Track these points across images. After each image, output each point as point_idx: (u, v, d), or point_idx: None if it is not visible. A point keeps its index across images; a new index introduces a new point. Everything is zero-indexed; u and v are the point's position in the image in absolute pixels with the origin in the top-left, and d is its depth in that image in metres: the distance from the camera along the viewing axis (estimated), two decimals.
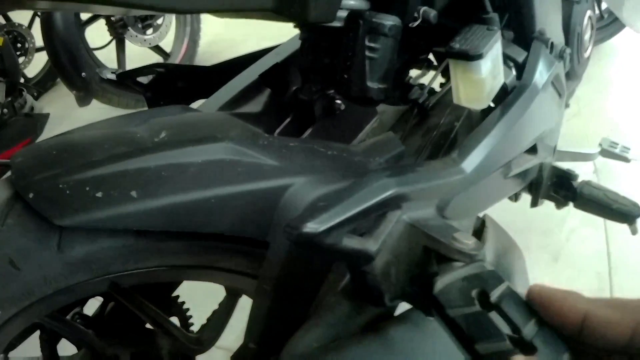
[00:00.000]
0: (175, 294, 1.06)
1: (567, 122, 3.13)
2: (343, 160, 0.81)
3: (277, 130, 1.03)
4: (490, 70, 0.89)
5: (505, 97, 1.01)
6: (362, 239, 0.54)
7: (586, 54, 1.79)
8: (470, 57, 0.86)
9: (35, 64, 3.24)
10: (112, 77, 1.19)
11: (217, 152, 0.71)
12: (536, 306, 0.48)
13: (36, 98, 3.01)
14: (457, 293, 0.52)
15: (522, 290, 0.51)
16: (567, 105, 1.90)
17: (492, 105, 1.02)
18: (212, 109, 0.99)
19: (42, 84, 3.38)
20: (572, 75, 1.67)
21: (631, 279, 2.51)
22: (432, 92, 1.23)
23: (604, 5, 3.60)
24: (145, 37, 3.01)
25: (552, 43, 1.22)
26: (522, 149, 1.04)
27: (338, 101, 1.00)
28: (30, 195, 0.64)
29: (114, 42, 2.97)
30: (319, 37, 0.95)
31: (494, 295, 0.50)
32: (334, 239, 0.51)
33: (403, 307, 0.70)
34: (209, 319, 1.04)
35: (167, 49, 3.22)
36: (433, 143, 1.13)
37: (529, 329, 0.47)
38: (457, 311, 0.50)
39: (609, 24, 3.85)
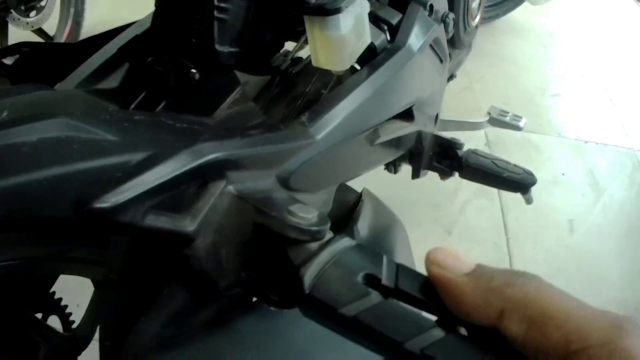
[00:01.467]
0: (53, 290, 0.99)
1: (458, 94, 3.24)
2: (193, 133, 0.73)
3: (132, 106, 0.97)
4: (352, 27, 0.83)
5: (373, 58, 0.96)
6: (176, 216, 0.45)
7: (474, 23, 1.77)
8: (327, 11, 0.79)
9: None
10: None
11: (52, 129, 0.60)
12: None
13: None
14: (339, 284, 0.43)
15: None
16: (453, 76, 1.89)
17: (357, 67, 0.97)
18: (71, 87, 0.92)
19: None
20: (458, 43, 1.66)
21: (529, 248, 2.63)
22: (298, 61, 1.17)
23: None
24: (28, 19, 2.87)
25: (431, 5, 1.17)
26: (391, 113, 0.99)
27: (193, 70, 0.94)
28: None
29: None
30: (170, 1, 0.89)
31: (385, 277, 0.43)
32: (132, 217, 0.42)
33: None
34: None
35: (51, 32, 3.10)
36: (298, 112, 1.06)
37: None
38: (354, 308, 0.41)
39: (504, 1, 3.97)
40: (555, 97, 3.65)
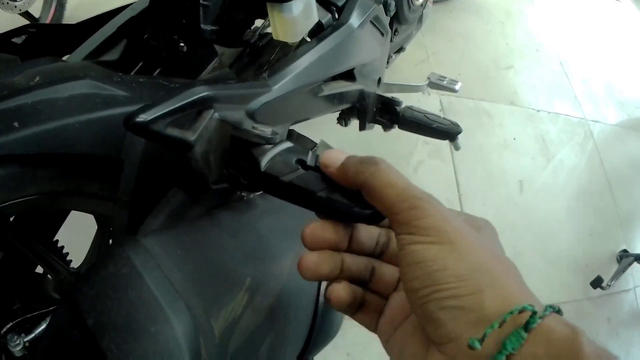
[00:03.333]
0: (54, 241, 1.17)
1: (415, 67, 3.36)
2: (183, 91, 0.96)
3: (132, 73, 1.16)
4: (301, 10, 1.06)
5: (321, 32, 1.19)
6: (183, 130, 0.70)
7: (418, 2, 1.96)
8: None
9: None
10: None
11: (80, 88, 0.83)
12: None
13: None
14: (281, 165, 0.68)
15: None
16: (403, 49, 2.10)
17: (308, 39, 1.20)
18: (78, 59, 1.11)
19: None
20: (403, 19, 1.84)
21: (480, 204, 2.79)
22: (264, 35, 1.39)
23: None
24: (16, 3, 2.94)
25: None
26: (332, 73, 1.22)
27: (182, 44, 1.13)
28: None
29: None
30: None
31: (309, 160, 0.67)
32: (159, 127, 0.67)
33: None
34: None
35: (36, 14, 3.19)
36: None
37: None
38: (289, 177, 0.65)
39: None
40: (509, 69, 3.77)
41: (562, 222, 3.01)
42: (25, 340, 1.03)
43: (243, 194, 0.94)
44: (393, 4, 1.50)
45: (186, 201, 0.87)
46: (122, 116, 0.82)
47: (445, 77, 2.12)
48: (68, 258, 1.22)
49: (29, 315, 1.08)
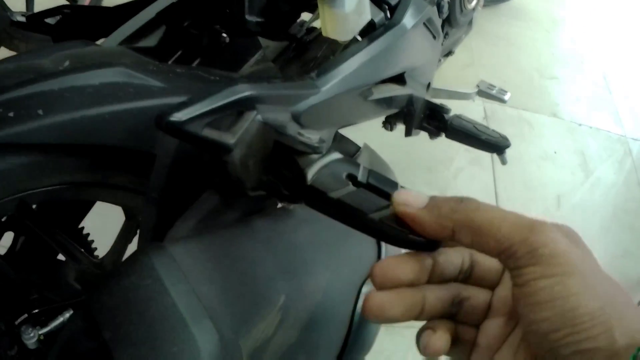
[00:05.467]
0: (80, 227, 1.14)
1: (461, 71, 3.32)
2: (223, 84, 0.90)
3: (170, 62, 1.11)
4: (354, 7, 0.99)
5: (373, 32, 1.12)
6: (222, 132, 0.64)
7: (471, 5, 1.90)
8: None
9: None
10: (22, 19, 1.22)
11: (112, 75, 0.78)
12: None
13: None
14: (330, 179, 0.61)
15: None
16: (452, 52, 2.04)
17: (359, 38, 1.14)
18: (114, 44, 1.05)
19: None
20: (455, 23, 1.78)
21: None
22: (311, 30, 1.33)
23: None
24: None
25: None
26: (383, 76, 1.15)
27: (224, 35, 1.08)
28: None
29: None
30: None
31: (360, 175, 0.59)
32: (195, 128, 0.61)
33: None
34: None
35: None
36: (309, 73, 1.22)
37: None
38: (338, 193, 0.58)
39: None
40: (553, 79, 3.70)
41: (596, 241, 2.93)
42: (40, 333, 0.98)
43: (282, 204, 0.87)
44: (446, 6, 1.44)
45: (220, 206, 0.81)
46: (155, 109, 0.78)
47: (495, 87, 2.07)
48: (93, 245, 1.19)
49: (45, 308, 1.03)
